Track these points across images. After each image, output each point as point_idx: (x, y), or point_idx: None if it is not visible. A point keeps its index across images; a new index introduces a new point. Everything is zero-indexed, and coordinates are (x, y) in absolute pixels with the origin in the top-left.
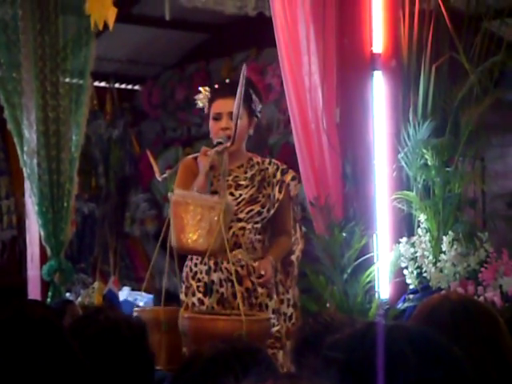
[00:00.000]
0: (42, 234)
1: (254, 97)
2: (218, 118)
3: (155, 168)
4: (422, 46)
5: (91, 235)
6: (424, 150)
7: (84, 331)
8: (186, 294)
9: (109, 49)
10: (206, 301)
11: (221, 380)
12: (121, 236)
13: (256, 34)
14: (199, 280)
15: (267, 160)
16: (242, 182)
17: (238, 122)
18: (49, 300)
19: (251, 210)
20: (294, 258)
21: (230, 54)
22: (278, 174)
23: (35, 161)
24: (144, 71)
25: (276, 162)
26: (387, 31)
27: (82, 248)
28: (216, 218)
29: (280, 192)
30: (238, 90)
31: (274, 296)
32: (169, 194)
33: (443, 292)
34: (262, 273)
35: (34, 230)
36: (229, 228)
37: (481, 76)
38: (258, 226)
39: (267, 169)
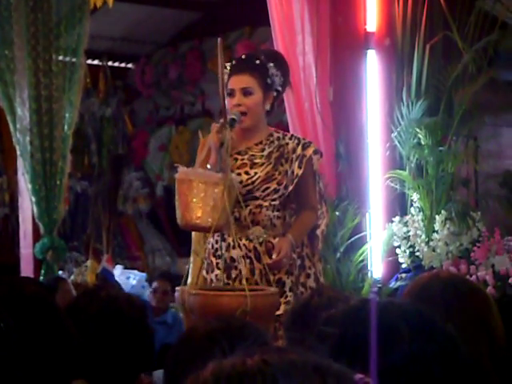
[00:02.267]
0: (35, 211)
1: (272, 70)
2: (231, 93)
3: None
4: (415, 24)
5: (84, 213)
6: (417, 129)
7: (85, 308)
8: (207, 271)
9: (102, 26)
10: (224, 277)
11: (214, 354)
12: (114, 214)
13: (249, 12)
14: (219, 257)
15: (289, 135)
16: (258, 161)
17: (251, 97)
18: (41, 278)
19: (267, 188)
20: (318, 232)
21: (223, 32)
22: (299, 149)
23: (28, 138)
24: (137, 49)
25: (297, 136)
26: (381, 10)
27: (74, 226)
28: (220, 195)
29: (300, 167)
30: (219, 69)
31: (295, 272)
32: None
33: (434, 270)
34: (274, 256)
35: (27, 207)
36: (246, 206)
37: (475, 55)
38: (276, 202)
39: (287, 144)
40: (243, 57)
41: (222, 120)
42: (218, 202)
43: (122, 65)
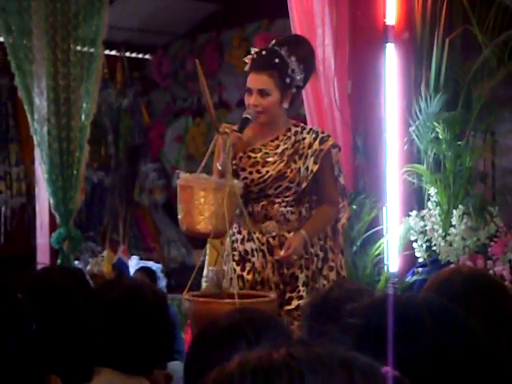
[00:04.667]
0: (52, 201)
1: (293, 66)
2: (248, 92)
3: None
4: (435, 18)
5: (100, 204)
6: (435, 124)
7: (109, 293)
8: (225, 263)
9: (120, 17)
10: (238, 270)
11: (235, 346)
12: (130, 205)
13: (268, 4)
14: (235, 249)
15: (307, 128)
16: (270, 159)
17: (268, 98)
18: None
19: (279, 186)
20: (339, 225)
21: (241, 24)
22: (316, 144)
23: (45, 128)
24: (155, 40)
25: (316, 129)
26: (400, 3)
27: (90, 217)
28: (220, 201)
29: (316, 163)
30: (200, 86)
31: (312, 266)
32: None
33: (454, 265)
34: (282, 252)
35: (44, 197)
36: (258, 202)
37: (495, 49)
38: (290, 198)
39: (304, 139)
40: (263, 53)
41: (225, 130)
42: (218, 208)
43: (140, 56)
